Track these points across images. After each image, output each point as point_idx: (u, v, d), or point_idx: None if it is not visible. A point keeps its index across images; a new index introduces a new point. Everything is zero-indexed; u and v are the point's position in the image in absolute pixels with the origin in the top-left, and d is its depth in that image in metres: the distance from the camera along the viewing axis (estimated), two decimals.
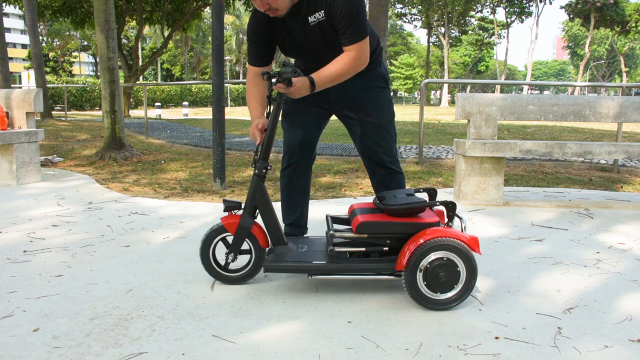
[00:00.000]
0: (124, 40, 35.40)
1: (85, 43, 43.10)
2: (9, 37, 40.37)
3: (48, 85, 13.84)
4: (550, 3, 37.63)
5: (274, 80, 2.04)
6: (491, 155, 3.58)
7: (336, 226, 2.14)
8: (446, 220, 2.03)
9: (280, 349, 1.61)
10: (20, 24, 55.46)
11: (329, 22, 2.00)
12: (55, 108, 19.46)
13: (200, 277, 2.21)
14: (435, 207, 2.14)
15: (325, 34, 2.05)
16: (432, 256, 1.85)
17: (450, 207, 2.00)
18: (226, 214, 2.10)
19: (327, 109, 2.35)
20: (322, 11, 1.98)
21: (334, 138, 8.50)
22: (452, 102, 40.42)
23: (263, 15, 2.03)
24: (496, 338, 1.69)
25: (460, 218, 2.02)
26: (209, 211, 3.47)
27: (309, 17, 2.00)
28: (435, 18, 42.86)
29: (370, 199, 3.91)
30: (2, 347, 1.60)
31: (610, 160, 5.97)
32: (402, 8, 44.71)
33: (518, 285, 2.17)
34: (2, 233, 2.88)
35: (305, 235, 2.44)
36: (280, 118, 2.32)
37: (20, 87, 17.09)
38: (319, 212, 3.40)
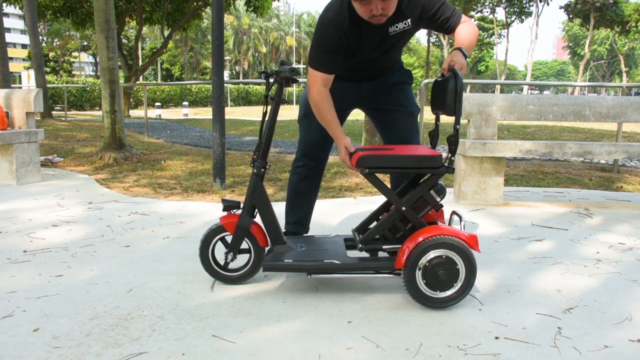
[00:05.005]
0: (124, 40, 35.37)
1: (85, 43, 43.09)
2: (9, 37, 40.33)
3: (48, 85, 13.82)
4: (548, 4, 37.49)
5: (272, 80, 2.05)
6: (491, 155, 3.58)
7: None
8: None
9: (280, 349, 1.61)
10: (20, 24, 55.45)
11: (414, 28, 2.03)
12: (55, 108, 19.44)
13: (200, 277, 2.21)
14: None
15: (399, 41, 2.09)
16: (431, 254, 1.85)
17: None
18: (225, 213, 2.10)
19: (352, 107, 2.36)
20: (409, 19, 1.99)
21: None
22: None
23: (343, 23, 1.96)
24: (496, 338, 1.69)
25: (459, 216, 2.01)
26: (209, 211, 3.47)
27: (390, 27, 1.99)
28: None
29: (369, 198, 3.90)
30: (2, 347, 1.60)
31: (610, 160, 5.97)
32: None
33: (518, 285, 2.17)
34: (2, 233, 2.88)
35: (304, 235, 2.44)
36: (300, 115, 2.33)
37: (20, 87, 17.10)
38: (319, 211, 3.40)
